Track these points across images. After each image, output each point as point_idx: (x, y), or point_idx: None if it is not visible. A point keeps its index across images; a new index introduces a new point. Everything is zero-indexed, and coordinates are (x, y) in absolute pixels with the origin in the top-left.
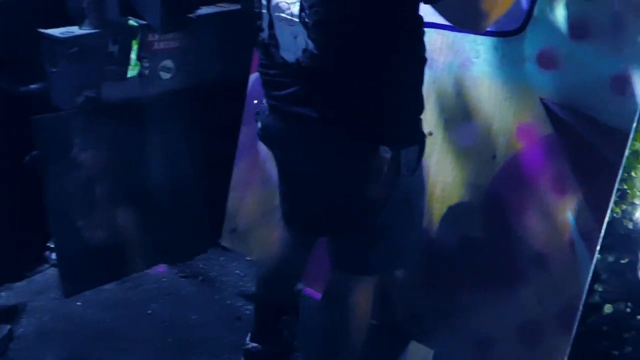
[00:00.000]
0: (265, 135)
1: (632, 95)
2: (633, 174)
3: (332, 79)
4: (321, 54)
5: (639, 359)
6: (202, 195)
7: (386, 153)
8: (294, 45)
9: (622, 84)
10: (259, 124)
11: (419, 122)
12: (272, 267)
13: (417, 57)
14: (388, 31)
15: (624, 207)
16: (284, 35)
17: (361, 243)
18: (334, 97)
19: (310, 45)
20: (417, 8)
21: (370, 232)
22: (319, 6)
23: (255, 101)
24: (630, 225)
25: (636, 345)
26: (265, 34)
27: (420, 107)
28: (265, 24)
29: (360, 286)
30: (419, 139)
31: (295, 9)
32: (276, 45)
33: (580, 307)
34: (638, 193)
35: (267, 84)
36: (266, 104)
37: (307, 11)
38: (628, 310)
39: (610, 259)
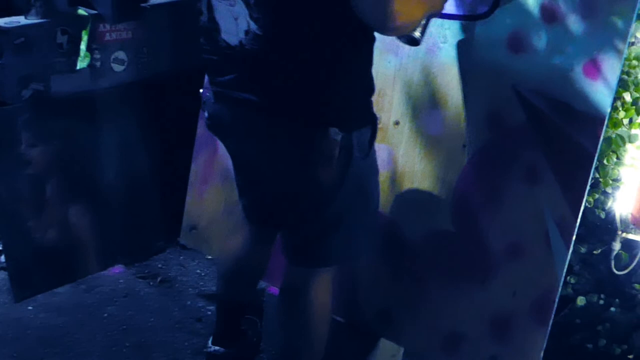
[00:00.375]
0: (213, 124)
1: (606, 80)
2: (605, 161)
3: (276, 61)
4: (264, 34)
5: (614, 352)
6: (160, 192)
7: (336, 135)
8: (235, 27)
9: (596, 68)
10: (206, 114)
11: (369, 103)
12: (233, 265)
13: (365, 36)
14: (334, 9)
15: (596, 196)
16: (224, 18)
17: (314, 234)
18: (280, 80)
19: (253, 25)
20: None
21: (324, 221)
22: None
23: (202, 90)
24: (602, 215)
25: (610, 339)
26: (205, 18)
27: (369, 87)
28: (204, 7)
29: (317, 279)
30: (370, 120)
31: None
32: (217, 29)
33: (556, 300)
34: (610, 182)
35: (211, 70)
36: (211, 92)
37: None
38: (601, 302)
39: (583, 250)
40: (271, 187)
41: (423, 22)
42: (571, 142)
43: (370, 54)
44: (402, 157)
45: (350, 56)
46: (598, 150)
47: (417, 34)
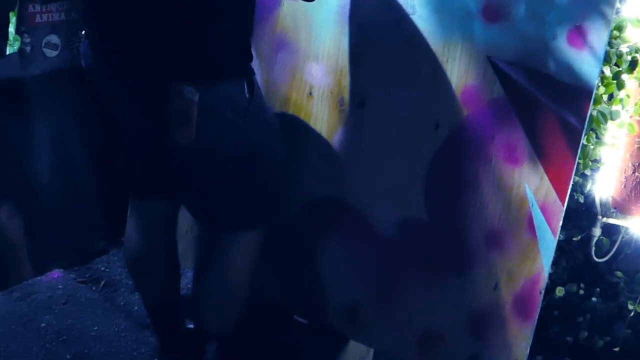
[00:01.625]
0: (87, 74)
1: (593, 49)
2: (584, 141)
3: (134, 6)
4: None
5: (596, 344)
6: (100, 188)
7: (192, 95)
8: None
9: (581, 37)
10: (83, 63)
11: (238, 57)
12: (140, 262)
13: None
14: None
15: (575, 178)
16: None
17: (213, 200)
18: (136, 32)
19: None
20: None
21: (215, 185)
22: None
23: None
24: (581, 199)
25: (592, 330)
26: None
27: (239, 37)
28: None
29: (230, 245)
30: (240, 75)
31: None
32: None
33: (542, 291)
34: (590, 163)
35: (84, 15)
36: (86, 40)
37: None
38: (581, 292)
39: (561, 236)
40: (139, 152)
41: None
42: (555, 118)
43: (241, 4)
44: (369, 140)
45: (208, 6)
46: (585, 127)
47: None
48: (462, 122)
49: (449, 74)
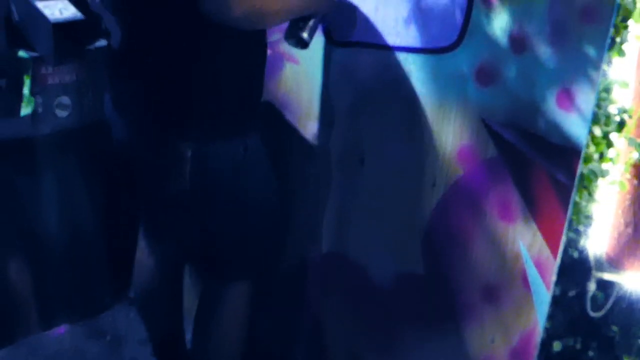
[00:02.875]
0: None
1: (580, 111)
2: (577, 198)
3: (133, 64)
4: (126, 35)
5: None
6: (108, 243)
7: (186, 149)
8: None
9: (569, 99)
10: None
11: (242, 116)
12: (149, 299)
13: (237, 44)
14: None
15: (569, 234)
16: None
17: (207, 247)
18: (135, 90)
19: (115, 25)
20: None
21: (209, 235)
22: None
23: None
24: (575, 255)
25: None
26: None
27: (245, 101)
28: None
29: (222, 296)
30: (240, 133)
31: None
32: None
33: (538, 345)
34: (583, 219)
35: (108, 77)
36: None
37: None
38: (578, 346)
39: (557, 291)
40: (147, 200)
41: (310, 23)
42: (547, 177)
43: (246, 62)
44: (369, 197)
45: (210, 65)
46: (576, 184)
47: (305, 35)
48: (457, 180)
49: (444, 134)
